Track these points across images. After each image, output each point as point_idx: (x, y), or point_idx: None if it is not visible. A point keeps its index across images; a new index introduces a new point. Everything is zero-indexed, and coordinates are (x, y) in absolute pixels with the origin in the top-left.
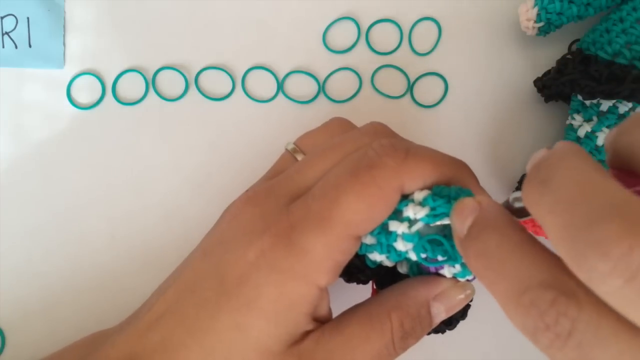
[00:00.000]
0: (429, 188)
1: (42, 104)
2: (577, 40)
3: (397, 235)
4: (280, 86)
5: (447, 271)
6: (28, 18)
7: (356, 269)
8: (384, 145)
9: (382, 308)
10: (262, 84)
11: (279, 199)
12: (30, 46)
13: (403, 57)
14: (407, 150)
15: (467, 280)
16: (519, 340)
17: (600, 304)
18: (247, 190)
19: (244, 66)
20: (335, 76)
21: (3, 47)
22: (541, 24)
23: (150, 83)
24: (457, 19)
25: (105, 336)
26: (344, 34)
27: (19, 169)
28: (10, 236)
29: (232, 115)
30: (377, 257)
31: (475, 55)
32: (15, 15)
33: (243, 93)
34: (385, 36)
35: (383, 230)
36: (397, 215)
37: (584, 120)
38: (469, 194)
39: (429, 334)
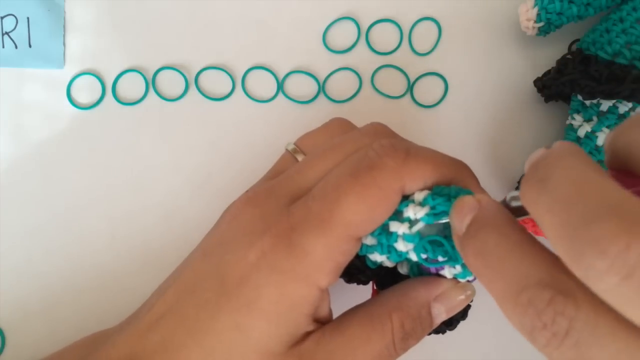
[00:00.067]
0: (430, 189)
1: (42, 104)
2: (577, 40)
3: (397, 236)
4: (280, 86)
5: (447, 272)
6: (28, 18)
7: (357, 270)
8: (385, 145)
9: (383, 309)
10: (262, 84)
11: (279, 200)
12: (30, 46)
13: (403, 57)
14: (407, 151)
15: (468, 281)
16: (519, 340)
17: (598, 303)
18: (247, 191)
19: (244, 66)
20: (335, 76)
21: (3, 47)
22: (541, 24)
23: (150, 83)
24: (457, 19)
25: (105, 336)
26: (344, 34)
27: (19, 169)
28: (10, 236)
29: (232, 115)
30: (377, 257)
31: (475, 55)
32: (15, 15)
33: (243, 93)
34: (385, 36)
35: (384, 231)
36: (397, 215)
37: (584, 120)
38: (469, 193)
39: (429, 334)
